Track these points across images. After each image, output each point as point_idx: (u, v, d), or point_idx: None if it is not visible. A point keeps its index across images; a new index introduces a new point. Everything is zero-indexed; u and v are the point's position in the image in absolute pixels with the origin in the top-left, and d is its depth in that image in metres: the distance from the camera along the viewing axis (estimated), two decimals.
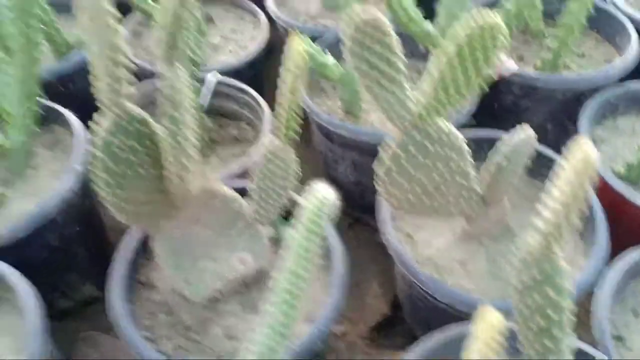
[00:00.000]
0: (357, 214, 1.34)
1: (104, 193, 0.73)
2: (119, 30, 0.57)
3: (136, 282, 0.97)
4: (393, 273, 1.25)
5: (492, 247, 0.93)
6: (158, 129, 0.72)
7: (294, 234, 0.57)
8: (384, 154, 0.78)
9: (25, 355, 0.82)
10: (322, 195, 0.55)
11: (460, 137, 0.75)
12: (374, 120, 1.21)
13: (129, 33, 1.55)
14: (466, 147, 0.78)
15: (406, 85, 0.69)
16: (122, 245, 0.95)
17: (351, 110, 1.21)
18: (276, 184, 0.81)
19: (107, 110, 0.65)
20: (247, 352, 0.60)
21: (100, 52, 0.57)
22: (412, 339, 1.20)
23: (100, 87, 0.62)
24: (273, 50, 1.83)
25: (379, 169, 0.79)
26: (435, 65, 0.67)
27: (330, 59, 1.16)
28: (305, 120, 1.39)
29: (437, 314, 0.94)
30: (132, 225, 0.83)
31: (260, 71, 1.58)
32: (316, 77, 1.33)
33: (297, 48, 0.65)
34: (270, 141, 0.78)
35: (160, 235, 0.88)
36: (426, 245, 0.96)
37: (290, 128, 0.75)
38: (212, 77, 1.25)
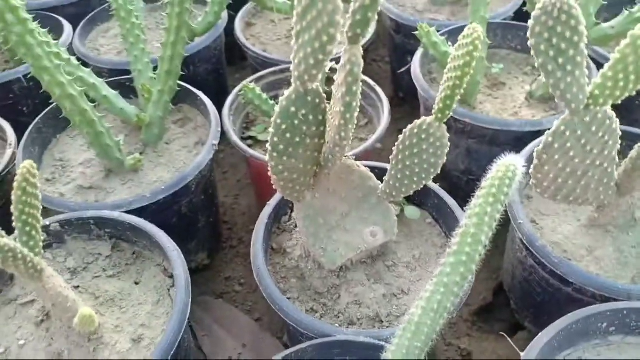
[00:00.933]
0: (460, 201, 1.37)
1: (274, 158, 0.79)
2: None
3: (270, 249, 1.03)
4: (498, 261, 1.28)
5: (619, 236, 0.94)
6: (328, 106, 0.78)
7: (478, 200, 0.61)
8: (548, 137, 0.80)
9: (178, 304, 0.89)
10: (511, 165, 0.59)
11: (618, 124, 0.77)
12: (489, 111, 1.25)
13: (242, 24, 1.63)
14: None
15: (585, 69, 0.72)
16: (262, 215, 1.02)
17: (467, 100, 1.24)
18: (424, 162, 0.85)
19: (294, 83, 0.71)
20: (418, 306, 0.64)
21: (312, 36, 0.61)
22: (510, 325, 1.24)
23: (296, 62, 0.67)
24: (376, 41, 1.89)
25: (539, 151, 0.81)
26: (619, 51, 0.70)
27: (451, 49, 1.19)
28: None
29: (558, 298, 0.97)
30: (282, 193, 0.89)
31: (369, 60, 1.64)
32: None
33: (474, 36, 0.70)
34: (425, 120, 0.82)
35: (303, 204, 0.94)
36: (552, 232, 0.98)
37: (447, 109, 0.79)
38: None
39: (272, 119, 0.75)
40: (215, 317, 1.28)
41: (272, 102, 1.26)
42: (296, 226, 1.06)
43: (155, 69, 1.22)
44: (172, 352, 0.84)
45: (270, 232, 1.03)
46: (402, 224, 1.05)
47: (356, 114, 0.75)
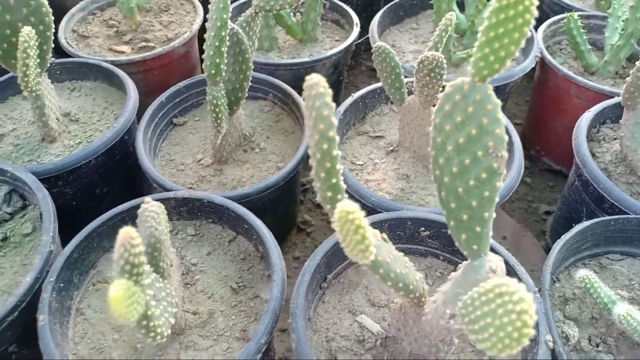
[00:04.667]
0: None
1: None
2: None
3: None
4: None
5: None
6: None
7: None
8: None
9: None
10: None
11: None
12: None
13: None
14: None
15: None
16: (583, 118, 1.17)
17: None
18: None
19: None
20: None
21: None
22: None
23: None
24: None
25: None
26: None
27: None
28: None
29: None
30: (631, 98, 1.04)
31: None
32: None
33: None
34: None
35: (634, 112, 1.07)
36: None
37: None
38: None
39: None
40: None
41: (585, 37, 1.40)
42: (604, 138, 1.20)
43: None
44: None
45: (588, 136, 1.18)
46: None
47: None
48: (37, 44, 0.99)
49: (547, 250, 1.34)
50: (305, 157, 1.21)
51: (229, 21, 0.95)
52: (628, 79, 1.03)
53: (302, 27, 1.50)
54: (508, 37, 0.55)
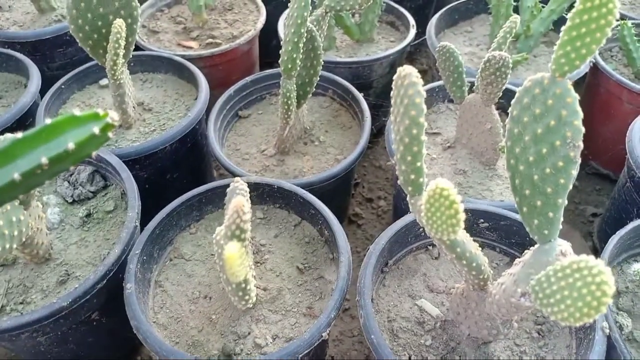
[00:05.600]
0: None
1: None
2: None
3: None
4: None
5: None
6: None
7: None
8: None
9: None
10: None
11: None
12: None
13: None
14: None
15: None
16: None
17: None
18: None
19: None
20: None
21: None
22: None
23: None
24: None
25: None
26: None
27: None
28: None
29: None
30: None
31: None
32: None
33: None
34: None
35: None
36: None
37: None
38: None
39: None
40: None
41: (638, 44, 1.42)
42: None
43: None
44: None
45: None
46: None
47: None
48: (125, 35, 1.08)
49: (594, 251, 1.37)
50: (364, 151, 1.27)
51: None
52: None
53: (359, 28, 1.56)
54: (590, 37, 0.60)
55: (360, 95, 1.32)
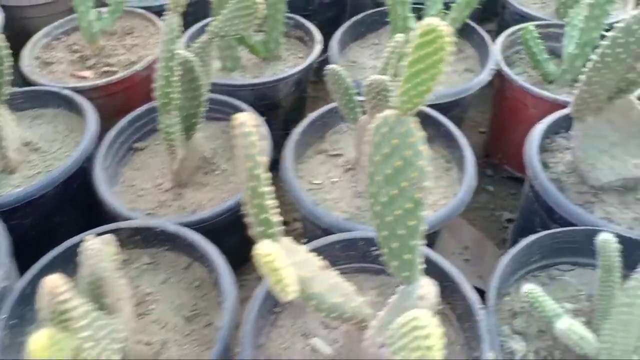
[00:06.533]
0: None
1: (596, 69, 0.96)
2: None
3: None
4: None
5: None
6: None
7: None
8: None
9: (468, 173, 1.09)
10: None
11: None
12: None
13: None
14: None
15: None
16: (535, 131, 1.19)
17: None
18: None
19: None
20: None
21: None
22: None
23: None
24: None
25: None
26: None
27: None
28: None
29: None
30: (576, 108, 1.06)
31: None
32: None
33: None
34: None
35: (584, 124, 1.09)
36: None
37: None
38: None
39: (610, 34, 0.92)
40: None
41: (542, 47, 1.42)
42: (558, 149, 1.22)
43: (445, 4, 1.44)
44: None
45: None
46: None
47: None
48: None
49: None
50: None
51: (180, 51, 0.97)
52: (575, 91, 1.06)
53: (265, 46, 1.51)
54: (427, 73, 0.57)
55: (261, 119, 1.27)
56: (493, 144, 1.62)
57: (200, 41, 1.07)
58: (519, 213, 1.30)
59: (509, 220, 1.48)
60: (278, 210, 0.66)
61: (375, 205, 0.66)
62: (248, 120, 0.59)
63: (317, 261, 0.71)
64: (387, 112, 0.62)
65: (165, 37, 0.91)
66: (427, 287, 0.66)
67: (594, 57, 0.96)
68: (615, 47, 0.93)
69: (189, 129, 1.09)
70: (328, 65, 1.06)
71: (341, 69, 1.04)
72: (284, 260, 0.52)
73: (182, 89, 1.04)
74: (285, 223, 1.52)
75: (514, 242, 1.31)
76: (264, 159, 0.61)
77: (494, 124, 1.61)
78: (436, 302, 0.68)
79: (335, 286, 0.68)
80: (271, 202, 0.63)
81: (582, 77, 1.01)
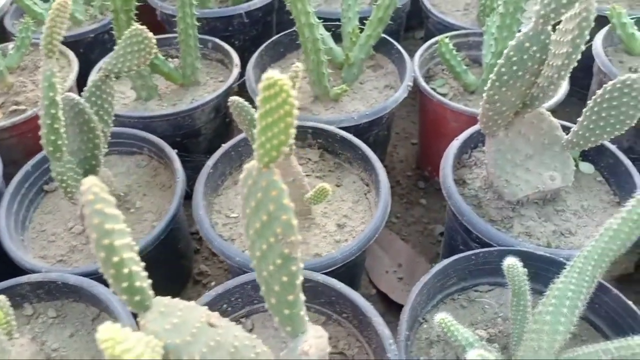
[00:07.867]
0: None
1: (494, 87, 0.95)
2: None
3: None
4: None
5: None
6: None
7: None
8: None
9: (382, 200, 1.07)
10: None
11: None
12: None
13: None
14: None
15: None
16: (451, 146, 1.19)
17: None
18: (622, 113, 0.97)
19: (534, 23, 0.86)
20: (617, 218, 0.78)
21: None
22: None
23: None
24: None
25: None
26: None
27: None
28: None
29: None
30: (484, 125, 1.05)
31: None
32: None
33: None
34: (631, 76, 0.94)
35: (495, 140, 1.09)
36: None
37: None
38: None
39: (505, 52, 0.91)
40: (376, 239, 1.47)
41: (460, 59, 1.42)
42: (475, 163, 1.22)
43: (361, 19, 1.42)
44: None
45: (455, 165, 1.19)
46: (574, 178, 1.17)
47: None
48: None
49: None
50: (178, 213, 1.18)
51: (65, 95, 0.92)
52: (479, 109, 1.05)
53: (181, 72, 1.47)
54: (277, 127, 0.54)
55: (172, 152, 1.23)
56: (423, 156, 1.61)
57: (94, 80, 1.03)
58: (445, 230, 1.29)
59: (442, 234, 1.47)
60: (144, 274, 0.62)
61: (252, 259, 0.63)
62: (93, 186, 0.56)
63: (203, 317, 0.67)
64: (250, 164, 0.59)
65: (44, 84, 0.86)
66: (314, 340, 0.63)
67: (492, 76, 0.95)
68: (511, 65, 0.92)
69: (88, 172, 1.04)
70: (231, 97, 1.02)
71: (242, 100, 1.01)
72: (128, 344, 0.48)
73: (75, 133, 0.99)
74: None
75: (446, 257, 1.31)
76: (112, 226, 0.57)
77: (422, 137, 1.60)
78: (326, 353, 0.65)
79: (218, 346, 0.65)
80: (128, 269, 0.59)
81: (484, 95, 1.00)
